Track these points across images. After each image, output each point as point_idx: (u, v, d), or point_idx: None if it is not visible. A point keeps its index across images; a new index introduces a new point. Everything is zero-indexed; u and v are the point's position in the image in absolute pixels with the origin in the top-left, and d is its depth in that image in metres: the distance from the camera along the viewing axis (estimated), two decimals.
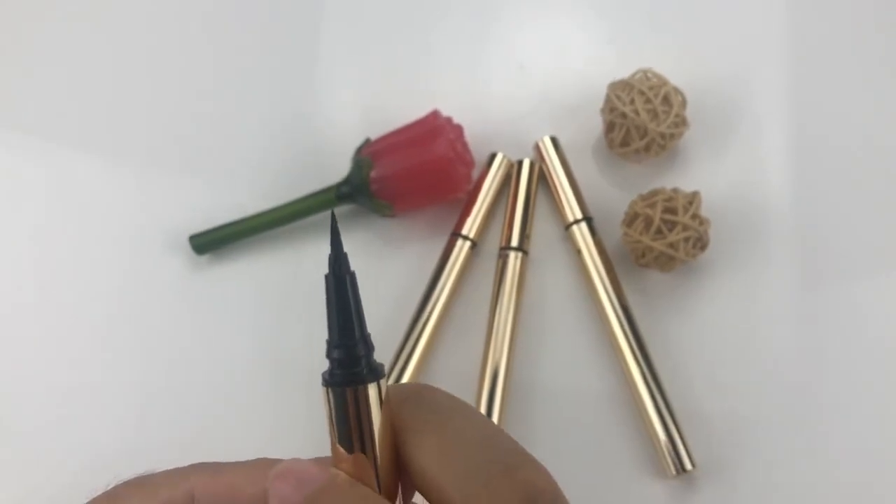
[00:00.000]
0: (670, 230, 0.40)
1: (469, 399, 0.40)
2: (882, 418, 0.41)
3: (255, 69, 0.50)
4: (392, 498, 0.20)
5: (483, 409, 0.40)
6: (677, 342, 0.43)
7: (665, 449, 0.40)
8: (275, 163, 0.47)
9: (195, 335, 0.45)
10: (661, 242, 0.40)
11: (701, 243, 0.41)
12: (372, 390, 0.19)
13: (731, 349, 0.43)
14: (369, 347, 0.19)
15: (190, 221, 0.45)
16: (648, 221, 0.40)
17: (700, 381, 0.42)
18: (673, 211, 0.40)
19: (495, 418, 0.40)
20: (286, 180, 0.46)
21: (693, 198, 0.41)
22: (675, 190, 0.41)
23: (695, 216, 0.40)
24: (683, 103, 0.43)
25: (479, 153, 0.45)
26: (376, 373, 0.19)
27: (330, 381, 0.19)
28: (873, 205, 0.45)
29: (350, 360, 0.19)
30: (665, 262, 0.41)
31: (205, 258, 0.45)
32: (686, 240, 0.40)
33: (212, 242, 0.44)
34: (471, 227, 0.44)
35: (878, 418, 0.41)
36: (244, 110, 0.49)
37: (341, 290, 0.19)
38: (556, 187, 0.44)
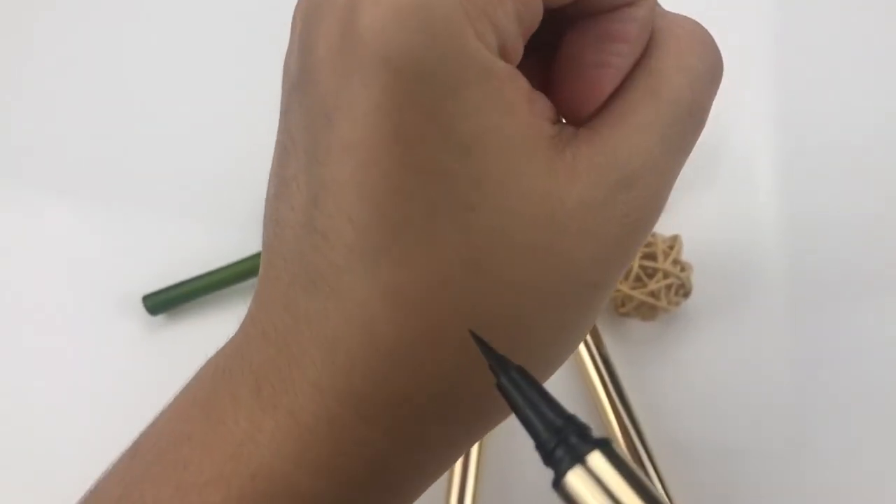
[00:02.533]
0: (650, 278, 0.38)
1: None
2: (873, 457, 0.39)
3: (221, 117, 0.48)
4: None
5: (458, 468, 0.38)
6: (662, 394, 0.40)
7: None
8: (236, 215, 0.45)
9: (149, 400, 0.42)
10: (642, 291, 0.38)
11: (684, 290, 0.39)
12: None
13: (718, 399, 0.40)
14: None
15: (143, 280, 0.43)
16: (627, 269, 0.38)
17: (685, 435, 0.39)
18: (652, 257, 0.38)
19: (471, 476, 0.38)
20: (247, 233, 0.43)
21: (673, 242, 0.39)
22: (653, 234, 0.39)
23: (676, 262, 0.38)
24: None
25: None
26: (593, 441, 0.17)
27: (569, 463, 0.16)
28: (863, 244, 0.43)
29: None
30: (646, 311, 0.39)
31: (159, 318, 0.43)
32: (668, 287, 0.38)
33: (167, 302, 0.42)
34: None
35: (870, 465, 0.39)
36: (204, 159, 0.47)
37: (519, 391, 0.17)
38: None
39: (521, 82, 0.18)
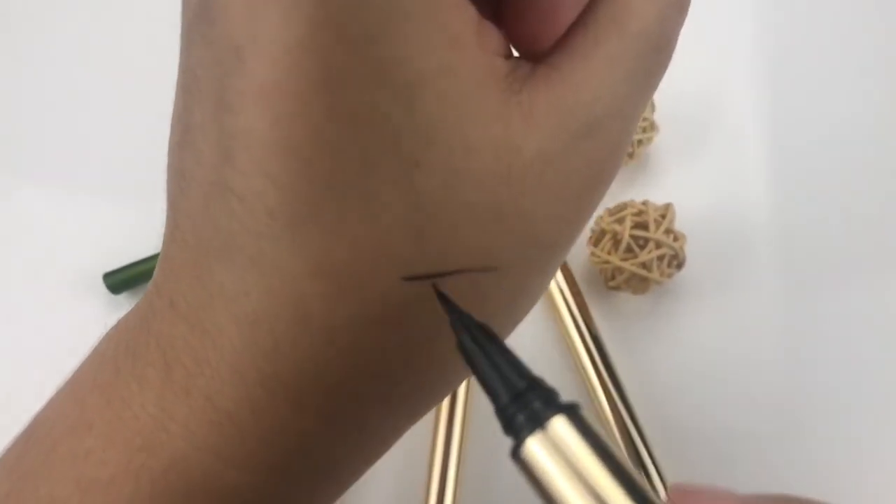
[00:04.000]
0: (642, 248, 0.36)
1: (425, 435, 0.36)
2: (867, 436, 0.38)
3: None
4: None
5: (440, 446, 0.36)
6: (653, 371, 0.38)
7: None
8: None
9: None
10: (633, 262, 0.36)
11: (676, 261, 0.37)
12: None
13: (712, 375, 0.38)
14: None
15: (104, 258, 0.40)
16: (617, 239, 0.36)
17: (677, 412, 0.38)
18: (644, 226, 0.36)
19: (453, 457, 0.36)
20: None
21: (666, 211, 0.37)
22: (645, 203, 0.37)
23: (668, 231, 0.36)
24: (652, 106, 0.39)
25: None
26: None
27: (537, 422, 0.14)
28: (857, 216, 0.41)
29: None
30: (637, 283, 0.37)
31: (122, 297, 0.40)
32: (660, 258, 0.36)
33: (129, 280, 0.39)
34: None
35: (863, 436, 0.38)
36: (165, 137, 0.44)
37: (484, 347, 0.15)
38: None
39: (470, 11, 0.15)
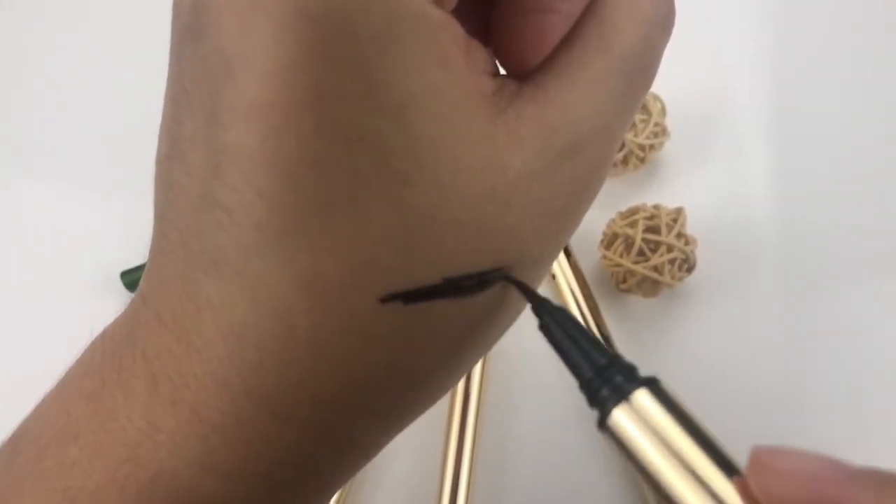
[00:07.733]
0: (654, 251, 0.36)
1: (435, 443, 0.37)
2: (877, 440, 0.38)
3: None
4: None
5: (452, 455, 0.36)
6: (663, 374, 0.38)
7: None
8: None
9: None
10: (644, 265, 0.36)
11: (688, 265, 0.37)
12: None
13: (722, 378, 0.39)
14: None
15: (121, 256, 0.41)
16: (629, 242, 0.37)
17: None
18: (656, 230, 0.36)
19: (465, 465, 0.36)
20: None
21: (677, 215, 0.37)
22: (657, 206, 0.37)
23: (680, 235, 0.37)
24: (663, 111, 0.40)
25: None
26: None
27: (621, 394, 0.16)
28: (868, 217, 0.42)
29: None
30: (649, 286, 0.37)
31: None
32: (671, 262, 0.36)
33: None
34: None
35: (874, 441, 0.38)
36: None
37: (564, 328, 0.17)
38: None
39: (458, 31, 0.16)
